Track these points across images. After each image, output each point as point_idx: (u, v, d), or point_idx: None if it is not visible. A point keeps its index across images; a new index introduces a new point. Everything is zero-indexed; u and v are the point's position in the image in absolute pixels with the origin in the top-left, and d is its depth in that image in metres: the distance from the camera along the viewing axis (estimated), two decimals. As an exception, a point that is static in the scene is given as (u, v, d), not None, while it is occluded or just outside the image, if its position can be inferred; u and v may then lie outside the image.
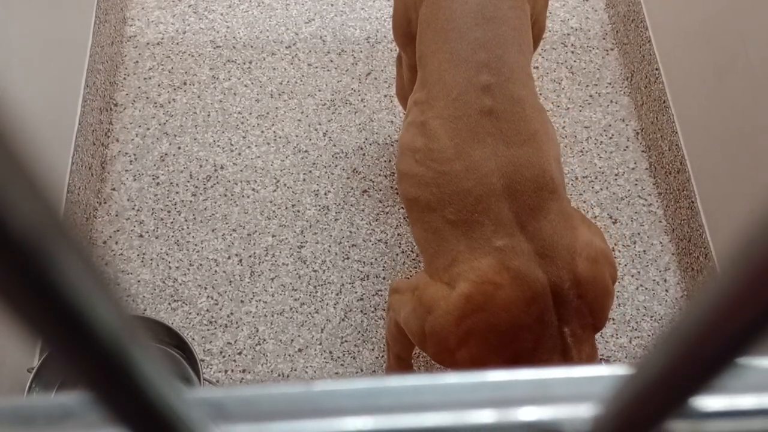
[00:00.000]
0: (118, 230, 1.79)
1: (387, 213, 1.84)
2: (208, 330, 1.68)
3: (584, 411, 0.25)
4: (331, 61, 2.06)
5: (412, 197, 1.14)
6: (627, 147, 1.98)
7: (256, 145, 1.92)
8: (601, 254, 1.07)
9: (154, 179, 1.86)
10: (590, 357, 1.04)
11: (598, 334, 1.71)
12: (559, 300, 1.01)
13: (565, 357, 1.02)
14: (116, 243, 1.78)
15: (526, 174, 1.06)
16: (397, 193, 1.86)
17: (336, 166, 1.90)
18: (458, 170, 1.07)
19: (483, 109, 1.08)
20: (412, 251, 1.80)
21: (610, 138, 1.99)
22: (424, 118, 1.14)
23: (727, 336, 0.18)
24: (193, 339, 1.67)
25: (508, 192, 1.05)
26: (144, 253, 1.77)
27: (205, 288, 1.73)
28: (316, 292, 1.74)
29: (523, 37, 1.18)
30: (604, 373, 0.26)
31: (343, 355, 1.67)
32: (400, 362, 1.50)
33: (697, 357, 0.19)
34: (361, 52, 2.08)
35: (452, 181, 1.07)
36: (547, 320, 1.00)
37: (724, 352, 0.18)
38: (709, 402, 0.24)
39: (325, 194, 1.86)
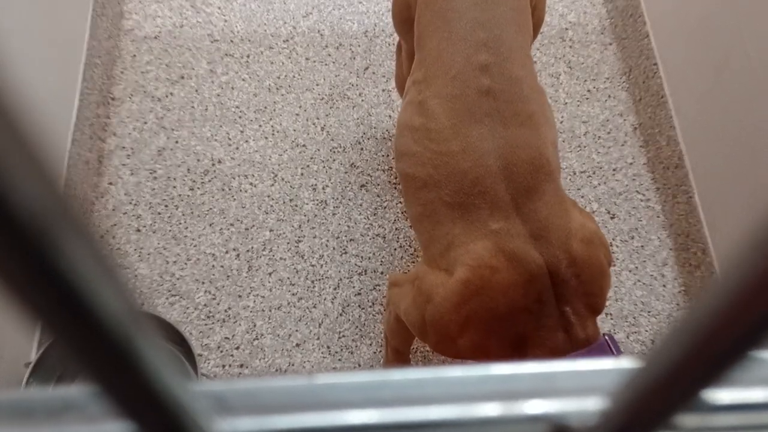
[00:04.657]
0: (115, 225, 1.79)
1: (385, 207, 1.84)
2: (205, 325, 1.68)
3: (591, 404, 0.25)
4: (329, 55, 2.06)
5: (409, 176, 1.14)
6: (625, 142, 1.98)
7: (253, 140, 1.91)
8: (595, 236, 1.06)
9: (151, 173, 1.86)
10: (594, 334, 1.04)
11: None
12: (557, 280, 1.01)
13: (568, 334, 1.01)
14: (113, 238, 1.78)
15: (522, 155, 1.06)
16: (395, 188, 1.86)
17: (334, 160, 1.89)
18: (455, 150, 1.07)
19: (481, 89, 1.08)
20: (410, 246, 1.79)
21: (608, 133, 1.99)
22: (422, 97, 1.13)
23: (740, 328, 0.17)
24: (191, 334, 1.67)
25: (504, 173, 1.05)
26: (141, 248, 1.76)
27: (203, 283, 1.73)
28: (314, 286, 1.73)
29: (522, 18, 1.18)
30: (610, 366, 0.26)
31: (341, 349, 1.67)
32: (399, 356, 1.50)
33: (709, 350, 0.18)
34: (359, 46, 2.07)
35: (449, 162, 1.07)
36: (546, 300, 1.00)
37: (737, 345, 0.18)
38: (718, 395, 0.23)
39: (323, 189, 1.85)
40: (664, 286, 1.79)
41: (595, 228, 1.08)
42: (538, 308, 1.00)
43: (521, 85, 1.10)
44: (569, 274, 1.01)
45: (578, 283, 1.02)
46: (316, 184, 1.86)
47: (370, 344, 1.68)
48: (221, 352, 1.66)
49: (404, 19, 1.32)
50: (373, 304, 1.72)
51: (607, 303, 1.76)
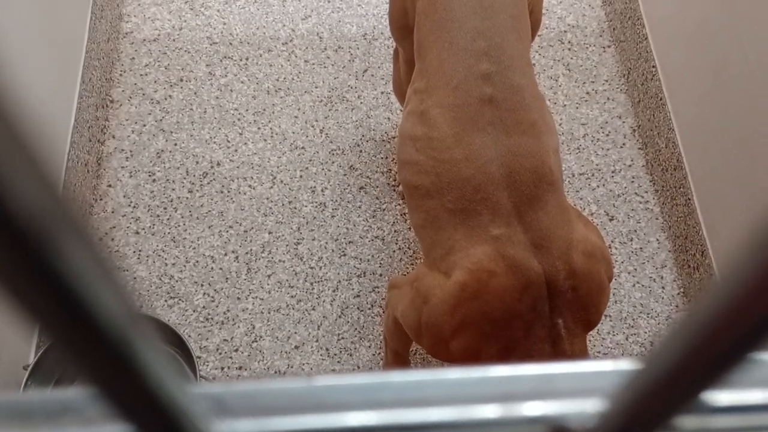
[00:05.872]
0: (114, 227, 1.79)
1: (384, 210, 1.84)
2: (204, 327, 1.68)
3: (590, 406, 0.25)
4: (328, 57, 2.06)
5: (412, 185, 1.14)
6: (624, 144, 1.98)
7: (252, 142, 1.91)
8: (597, 250, 1.06)
9: (150, 176, 1.86)
10: (582, 351, 1.04)
11: (594, 330, 1.71)
12: (553, 291, 1.01)
13: (555, 348, 1.01)
14: (112, 240, 1.78)
15: (525, 164, 1.06)
16: (394, 190, 1.86)
17: (333, 162, 1.89)
18: (458, 159, 1.07)
19: (483, 98, 1.08)
20: (408, 248, 1.79)
21: (607, 135, 1.99)
22: (424, 107, 1.14)
23: (740, 330, 0.17)
24: (190, 336, 1.66)
25: (507, 181, 1.05)
26: (140, 250, 1.76)
27: (202, 285, 1.72)
28: (313, 288, 1.73)
29: (522, 25, 1.18)
30: (610, 368, 0.26)
31: (340, 352, 1.67)
32: (398, 358, 1.50)
33: (709, 352, 0.18)
34: (358, 48, 2.07)
35: (452, 170, 1.07)
36: (540, 309, 1.00)
37: (736, 347, 0.18)
38: (717, 397, 0.23)
39: (322, 191, 1.85)
40: (662, 288, 1.79)
41: (598, 242, 1.08)
42: (531, 317, 1.00)
43: (523, 94, 1.11)
44: (566, 286, 1.01)
45: (575, 295, 1.02)
46: (315, 187, 1.86)
47: (369, 346, 1.68)
48: (220, 354, 1.65)
49: (401, 25, 1.32)
50: (372, 306, 1.72)
51: (606, 304, 1.75)
